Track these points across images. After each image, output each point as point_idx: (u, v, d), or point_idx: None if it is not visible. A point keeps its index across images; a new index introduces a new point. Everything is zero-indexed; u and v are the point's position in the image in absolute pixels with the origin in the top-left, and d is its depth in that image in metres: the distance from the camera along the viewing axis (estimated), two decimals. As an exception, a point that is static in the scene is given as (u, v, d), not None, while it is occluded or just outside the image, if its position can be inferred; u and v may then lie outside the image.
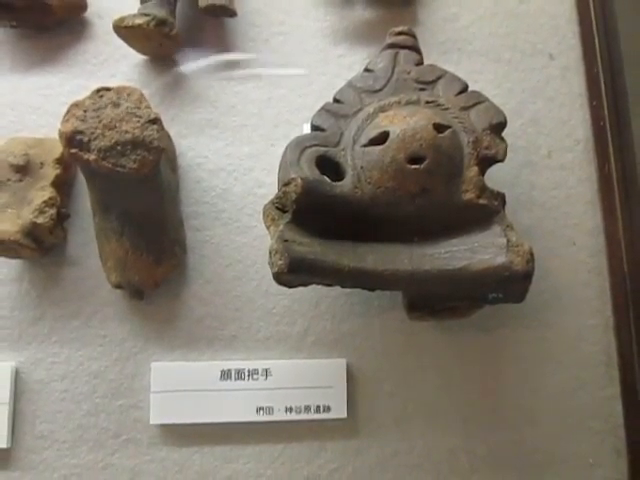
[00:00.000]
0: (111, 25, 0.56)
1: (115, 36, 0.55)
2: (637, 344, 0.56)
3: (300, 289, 0.45)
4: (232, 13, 0.55)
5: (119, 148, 0.42)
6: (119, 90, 0.45)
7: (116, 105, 0.44)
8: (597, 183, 0.58)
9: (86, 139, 0.42)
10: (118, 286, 0.51)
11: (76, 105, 0.44)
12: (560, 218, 0.57)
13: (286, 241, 0.42)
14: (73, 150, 0.42)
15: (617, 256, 0.57)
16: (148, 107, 0.44)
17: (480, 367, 0.54)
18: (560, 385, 0.54)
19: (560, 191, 0.57)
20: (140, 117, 0.43)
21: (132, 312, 0.53)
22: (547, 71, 0.60)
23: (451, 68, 0.57)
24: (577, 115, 0.59)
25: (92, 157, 0.42)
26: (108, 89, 0.45)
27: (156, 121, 0.44)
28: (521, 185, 0.57)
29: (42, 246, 0.51)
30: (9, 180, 0.50)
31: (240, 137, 0.56)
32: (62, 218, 0.51)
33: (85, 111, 0.44)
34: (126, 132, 0.43)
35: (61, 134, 0.43)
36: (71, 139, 0.42)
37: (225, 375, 0.52)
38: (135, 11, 0.55)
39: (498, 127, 0.48)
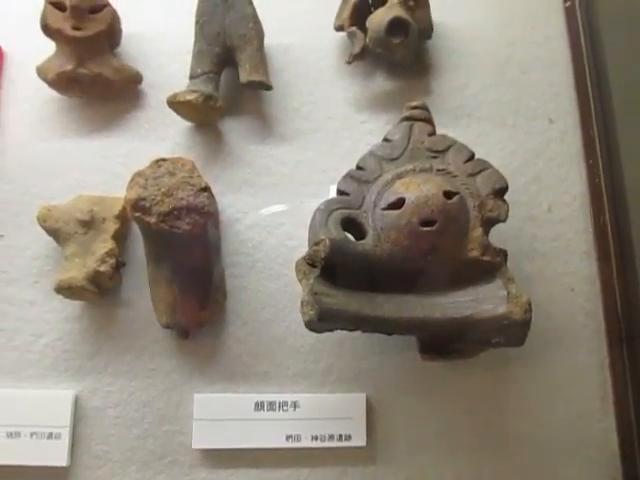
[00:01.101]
0: (161, 95, 0.64)
1: (165, 105, 0.62)
2: (631, 381, 0.61)
3: (325, 331, 0.52)
4: (268, 87, 0.62)
5: (175, 212, 0.50)
6: (174, 161, 0.52)
7: (172, 174, 0.51)
8: (593, 235, 0.64)
9: (148, 205, 0.50)
10: (167, 326, 0.58)
11: (139, 174, 0.51)
12: (559, 266, 0.62)
13: (316, 294, 0.49)
14: (137, 214, 0.50)
15: (611, 301, 0.62)
16: (199, 176, 0.51)
17: (486, 401, 0.59)
18: (560, 417, 0.59)
19: (559, 242, 0.63)
20: (193, 185, 0.51)
21: (178, 349, 0.59)
22: (547, 134, 0.66)
23: (461, 132, 0.64)
24: (575, 173, 0.65)
25: (153, 220, 0.50)
26: (165, 160, 0.52)
27: (206, 189, 0.51)
28: (524, 237, 0.63)
29: (101, 290, 0.58)
30: (76, 233, 0.58)
31: (273, 195, 0.63)
32: (119, 266, 0.59)
33: (146, 180, 0.51)
34: (181, 199, 0.50)
35: (127, 200, 0.50)
36: (135, 205, 0.50)
37: (259, 406, 0.58)
38: (182, 82, 0.63)
39: (500, 191, 0.54)
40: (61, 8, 0.60)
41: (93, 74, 0.61)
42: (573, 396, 0.59)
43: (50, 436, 0.57)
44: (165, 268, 0.55)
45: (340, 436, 0.57)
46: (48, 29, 0.60)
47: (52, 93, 0.64)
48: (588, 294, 0.61)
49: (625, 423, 0.59)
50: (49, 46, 0.63)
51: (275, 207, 0.63)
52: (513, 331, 0.50)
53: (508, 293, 0.50)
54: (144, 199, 0.50)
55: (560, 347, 0.60)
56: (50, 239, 0.60)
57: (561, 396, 0.59)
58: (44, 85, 0.63)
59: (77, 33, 0.60)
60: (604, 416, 0.59)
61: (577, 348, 0.60)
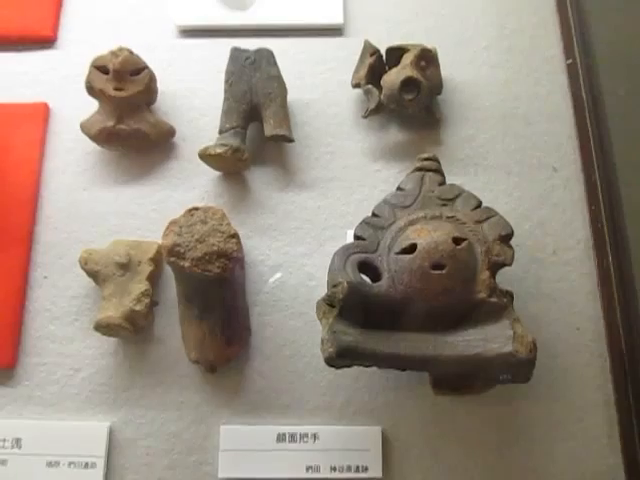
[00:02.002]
0: (193, 147, 0.70)
1: (196, 156, 0.68)
2: (636, 418, 0.63)
3: (343, 367, 0.56)
4: (290, 140, 0.68)
5: (207, 257, 0.55)
6: (206, 210, 0.57)
7: (204, 222, 0.56)
8: (597, 276, 0.67)
9: (182, 250, 0.55)
10: (196, 361, 0.62)
11: (174, 222, 0.56)
12: (565, 307, 0.65)
13: (335, 332, 0.53)
14: (172, 259, 0.54)
15: (616, 340, 0.65)
16: (229, 224, 0.56)
17: (496, 435, 0.62)
18: (568, 452, 0.61)
19: (564, 284, 0.66)
20: (223, 232, 0.56)
21: (206, 383, 0.63)
22: (551, 182, 0.70)
23: (470, 180, 0.69)
24: (578, 218, 0.69)
25: (187, 264, 0.54)
26: (197, 209, 0.57)
27: (235, 236, 0.56)
28: (530, 278, 0.66)
29: (136, 327, 0.62)
30: (114, 275, 0.62)
31: (295, 238, 0.68)
32: (152, 305, 0.63)
33: (181, 227, 0.56)
34: (213, 245, 0.55)
35: (163, 246, 0.55)
36: (171, 250, 0.54)
37: (280, 438, 0.61)
38: (211, 135, 0.69)
39: (506, 237, 0.58)
40: (105, 71, 0.66)
41: (132, 129, 0.67)
42: (580, 432, 0.61)
43: (87, 465, 0.60)
44: (195, 307, 0.60)
45: (357, 467, 0.60)
46: (92, 90, 0.66)
47: (93, 145, 0.70)
48: (593, 333, 0.64)
49: (632, 460, 0.61)
50: (90, 103, 0.69)
51: (297, 249, 0.67)
52: (519, 369, 0.54)
53: (514, 333, 0.54)
54: (179, 245, 0.54)
55: (566, 384, 0.63)
56: (88, 280, 0.65)
57: (568, 432, 0.62)
58: (85, 138, 0.69)
59: (118, 94, 0.66)
60: (611, 453, 0.61)
61: (583, 385, 0.63)
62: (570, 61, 0.75)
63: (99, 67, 0.66)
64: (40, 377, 0.64)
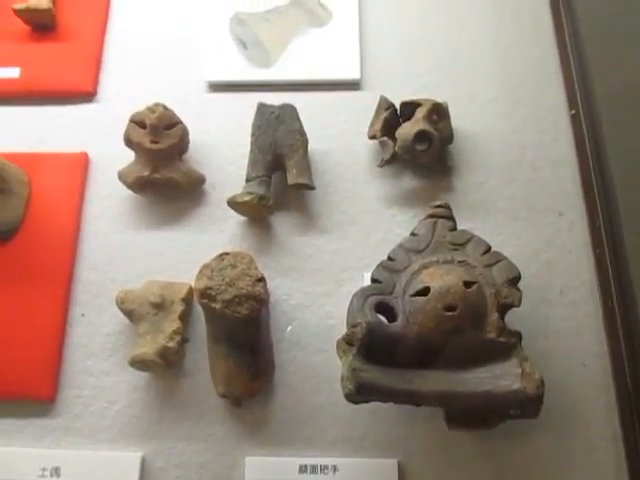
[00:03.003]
0: (221, 193, 0.75)
1: (224, 202, 0.73)
2: (643, 452, 0.66)
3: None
4: (311, 187, 0.72)
5: (236, 300, 0.59)
6: (235, 255, 0.61)
7: (234, 267, 0.60)
8: (602, 315, 0.70)
9: (214, 293, 0.59)
10: (223, 395, 0.65)
11: (206, 266, 0.61)
12: (572, 344, 0.68)
13: (354, 370, 0.56)
14: (204, 300, 0.58)
15: (621, 375, 0.67)
16: (256, 268, 0.60)
17: (508, 468, 0.64)
18: (577, 485, 0.64)
19: (571, 322, 0.69)
20: (251, 276, 0.60)
21: (232, 416, 0.66)
22: (557, 225, 0.74)
23: (480, 224, 0.73)
24: (583, 260, 0.72)
25: (218, 306, 0.58)
26: (227, 254, 0.62)
27: (262, 279, 0.60)
28: (538, 317, 0.69)
29: (168, 363, 0.66)
30: (149, 314, 0.66)
31: (315, 279, 0.72)
32: (183, 342, 0.67)
33: (212, 271, 0.60)
34: (241, 288, 0.59)
35: (196, 289, 0.59)
36: (203, 293, 0.59)
37: (302, 469, 0.64)
38: (238, 182, 0.73)
39: (514, 280, 0.62)
40: (142, 126, 0.72)
41: (165, 178, 0.72)
42: (589, 466, 0.64)
43: (121, 493, 0.64)
44: (222, 345, 0.64)
45: (375, 497, 0.63)
46: (130, 142, 0.72)
47: (128, 192, 0.75)
48: (599, 370, 0.67)
49: (639, 492, 0.64)
50: (127, 152, 0.74)
51: (317, 289, 0.71)
52: (528, 405, 0.57)
53: (522, 371, 0.57)
54: (211, 288, 0.59)
55: (575, 419, 0.65)
56: (122, 317, 0.69)
57: (577, 465, 0.64)
58: (122, 185, 0.74)
59: (154, 146, 0.71)
60: (619, 485, 0.64)
61: (590, 420, 0.65)
62: (574, 112, 0.79)
63: (137, 122, 0.72)
64: (78, 409, 0.68)
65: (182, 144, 0.73)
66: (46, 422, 0.68)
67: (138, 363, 0.65)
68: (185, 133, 0.73)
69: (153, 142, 0.71)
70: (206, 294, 0.59)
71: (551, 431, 0.65)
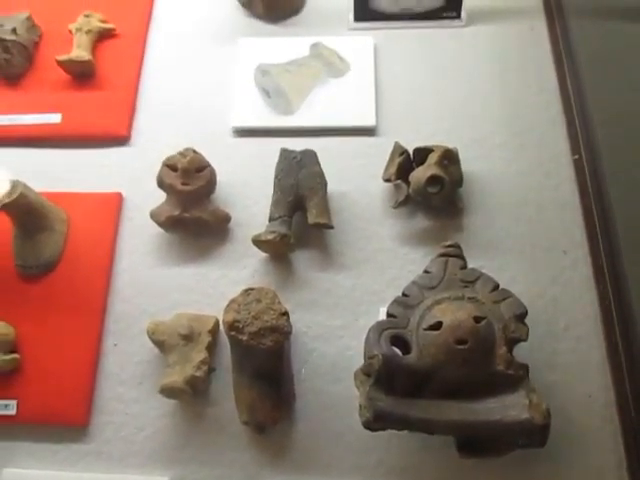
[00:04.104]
0: (245, 231, 0.79)
1: (248, 239, 0.77)
2: (647, 481, 0.68)
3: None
4: (330, 226, 0.76)
5: (262, 332, 0.62)
6: (259, 290, 0.65)
7: (259, 301, 0.64)
8: (606, 349, 0.72)
9: (241, 326, 0.62)
10: (246, 423, 0.68)
11: (233, 301, 0.65)
12: (577, 377, 0.71)
13: (371, 399, 0.60)
14: (232, 333, 0.62)
15: (625, 406, 0.70)
16: (279, 303, 0.64)
17: (517, 495, 0.67)
18: (584, 513, 0.66)
19: (576, 356, 0.72)
20: (275, 310, 0.64)
21: (254, 443, 0.69)
22: (562, 263, 0.77)
23: (488, 262, 0.76)
24: (587, 296, 0.75)
25: (244, 338, 0.62)
26: (253, 289, 0.66)
27: (286, 314, 0.64)
28: (545, 350, 0.72)
29: (195, 391, 0.69)
30: (178, 345, 0.70)
31: (333, 313, 0.75)
32: (210, 372, 0.71)
33: (239, 305, 0.64)
34: (266, 321, 0.63)
35: (224, 322, 0.63)
36: (231, 325, 0.62)
37: (321, 494, 0.67)
38: (261, 221, 0.78)
39: (521, 316, 0.65)
40: (174, 169, 0.76)
41: (194, 217, 0.77)
42: (595, 494, 0.66)
43: (148, 515, 0.67)
44: (247, 374, 0.67)
45: (390, 523, 0.65)
46: (163, 184, 0.76)
47: (159, 230, 0.79)
48: (604, 401, 0.69)
49: (644, 520, 0.66)
50: (158, 192, 0.78)
51: (335, 322, 0.74)
52: (535, 434, 0.60)
53: (530, 401, 0.60)
54: (238, 321, 0.62)
55: (580, 448, 0.67)
56: (151, 347, 0.73)
57: (584, 493, 0.66)
58: (153, 223, 0.79)
59: (185, 188, 0.76)
60: (624, 513, 0.65)
61: (596, 450, 0.67)
62: (577, 156, 0.83)
63: (170, 165, 0.76)
64: (109, 435, 0.71)
65: (210, 186, 0.78)
66: (79, 447, 0.71)
67: (167, 391, 0.68)
68: (213, 175, 0.78)
69: (184, 184, 0.76)
70: (234, 327, 0.62)
71: (557, 460, 0.67)
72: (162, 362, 0.72)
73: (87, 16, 0.94)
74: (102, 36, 0.94)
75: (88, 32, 0.92)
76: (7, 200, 0.73)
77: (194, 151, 0.78)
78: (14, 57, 0.90)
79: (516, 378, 0.62)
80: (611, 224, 0.78)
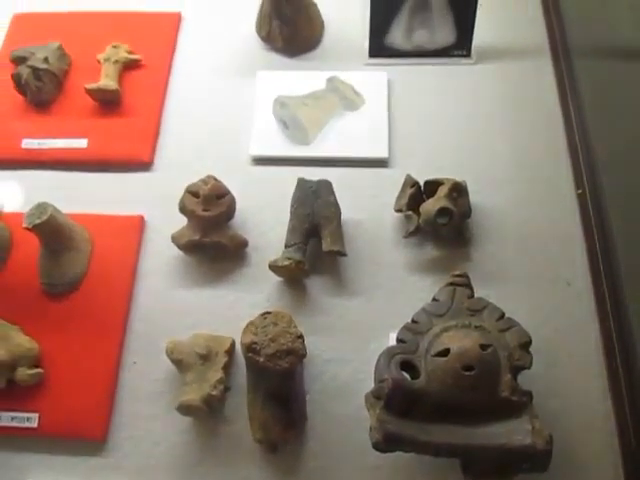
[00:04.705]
0: (261, 256, 0.83)
1: (263, 263, 0.80)
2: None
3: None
4: (344, 254, 0.79)
5: (278, 354, 0.65)
6: (276, 314, 0.68)
7: (275, 324, 0.67)
8: (607, 377, 0.74)
9: (258, 347, 0.65)
10: (259, 441, 0.70)
11: (251, 323, 0.68)
12: (579, 404, 0.73)
13: (381, 421, 0.62)
14: (250, 354, 0.65)
15: (626, 435, 0.72)
16: (295, 327, 0.67)
17: (519, 519, 0.69)
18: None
19: (578, 384, 0.74)
20: (291, 334, 0.66)
21: (266, 461, 0.71)
22: (565, 294, 0.80)
23: (494, 291, 0.78)
24: (589, 326, 0.78)
25: (261, 360, 0.65)
26: (269, 313, 0.68)
27: (301, 337, 0.66)
28: (548, 378, 0.74)
29: (211, 409, 0.72)
30: (195, 364, 0.72)
31: (345, 337, 0.78)
32: (225, 390, 0.73)
33: (256, 328, 0.67)
34: (283, 344, 0.65)
35: (242, 344, 0.66)
36: (249, 347, 0.65)
37: (330, 513, 0.69)
38: (277, 246, 0.81)
39: (526, 345, 0.67)
40: (196, 195, 0.80)
41: (213, 242, 0.80)
42: (595, 520, 0.68)
43: (164, 528, 0.69)
44: (261, 394, 0.69)
45: None
46: (185, 209, 0.80)
47: (179, 252, 0.83)
48: (605, 428, 0.72)
49: None
50: (178, 217, 0.81)
51: (347, 346, 0.77)
52: (538, 459, 0.62)
53: (533, 428, 0.62)
54: (255, 343, 0.65)
55: (582, 474, 0.69)
56: (169, 365, 0.75)
57: (585, 519, 0.68)
58: (173, 246, 0.82)
59: (206, 214, 0.79)
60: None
61: (597, 476, 0.69)
62: (580, 191, 0.87)
63: (192, 192, 0.80)
64: (126, 450, 0.74)
65: (230, 212, 0.81)
66: (97, 461, 0.73)
67: (184, 408, 0.70)
68: (233, 202, 0.81)
69: (205, 210, 0.79)
70: (251, 348, 0.65)
71: (560, 485, 0.69)
72: (179, 380, 0.74)
73: (115, 47, 0.99)
74: (128, 66, 0.99)
75: (115, 62, 0.97)
76: (38, 221, 0.76)
77: (215, 179, 0.81)
78: (45, 85, 0.94)
79: (520, 404, 0.64)
80: (613, 257, 0.80)
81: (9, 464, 0.73)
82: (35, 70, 0.93)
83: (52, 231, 0.79)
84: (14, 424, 0.74)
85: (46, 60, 0.95)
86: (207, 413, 0.71)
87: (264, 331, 0.66)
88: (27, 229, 0.77)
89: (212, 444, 0.73)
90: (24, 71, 0.93)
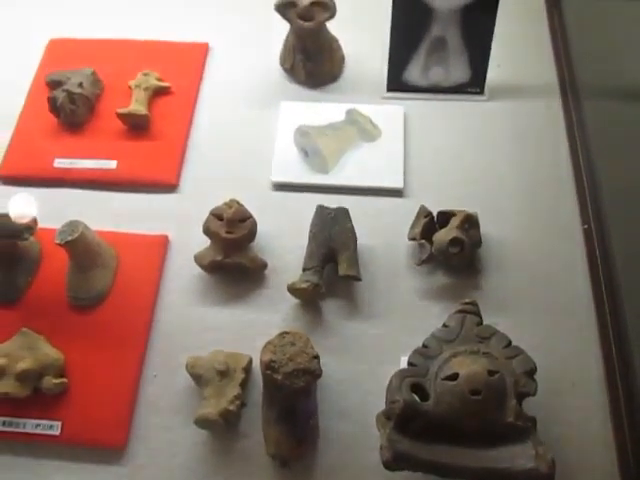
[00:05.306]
0: (279, 278, 0.86)
1: (281, 285, 0.84)
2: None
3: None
4: (358, 279, 0.83)
5: (295, 373, 0.68)
6: (294, 334, 0.71)
7: (293, 344, 0.70)
8: (609, 406, 0.77)
9: (276, 366, 0.68)
10: (272, 456, 0.73)
11: (270, 342, 0.70)
12: (581, 431, 0.76)
13: (391, 440, 0.65)
14: (268, 372, 0.68)
15: (625, 461, 0.74)
16: (312, 347, 0.70)
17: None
18: None
19: (581, 412, 0.77)
20: (308, 354, 0.69)
21: (278, 475, 0.74)
22: (569, 324, 0.82)
23: (502, 319, 0.80)
24: (592, 356, 0.80)
25: (279, 377, 0.68)
26: (288, 333, 0.71)
27: (317, 357, 0.69)
28: (551, 406, 0.76)
29: (227, 424, 0.74)
30: (214, 379, 0.75)
31: (358, 359, 0.81)
32: (242, 406, 0.76)
33: (275, 347, 0.70)
34: (300, 363, 0.68)
35: (261, 362, 0.69)
36: (267, 365, 0.68)
37: (339, 528, 0.72)
38: (295, 269, 0.84)
39: (531, 372, 0.70)
40: (220, 218, 0.83)
41: (235, 263, 0.83)
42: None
43: (178, 537, 0.71)
44: (275, 410, 0.72)
45: None
46: (209, 231, 0.83)
47: (201, 272, 0.86)
48: (605, 455, 0.74)
49: None
50: (202, 237, 0.85)
51: (359, 367, 0.80)
52: (541, 483, 0.65)
53: (536, 452, 0.65)
54: (274, 361, 0.68)
55: (583, 499, 0.72)
56: (188, 379, 0.78)
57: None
58: (196, 265, 0.85)
59: (229, 236, 0.82)
60: None
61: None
62: (586, 226, 0.90)
63: (216, 215, 0.84)
64: (144, 460, 0.76)
65: (251, 235, 0.85)
66: (116, 469, 0.76)
67: (202, 422, 0.73)
68: (254, 226, 0.85)
69: (228, 232, 0.83)
70: (270, 366, 0.68)
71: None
72: (197, 394, 0.77)
73: (145, 74, 1.03)
74: (158, 93, 1.03)
75: (146, 89, 1.01)
76: (69, 238, 0.80)
77: (238, 203, 0.85)
78: (79, 108, 0.99)
79: (524, 429, 0.67)
80: (617, 290, 0.84)
81: (32, 469, 0.76)
82: (70, 94, 0.98)
83: (82, 248, 0.83)
84: (38, 431, 0.77)
85: (81, 85, 1.00)
86: (223, 427, 0.74)
87: (282, 350, 0.69)
88: (59, 245, 0.81)
89: (226, 457, 0.76)
90: (60, 95, 0.98)
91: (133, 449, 0.77)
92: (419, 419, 0.67)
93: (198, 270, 0.86)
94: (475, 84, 1.02)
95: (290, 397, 0.70)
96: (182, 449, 0.76)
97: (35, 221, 0.83)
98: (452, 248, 0.81)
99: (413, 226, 0.87)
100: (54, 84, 1.03)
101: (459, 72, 1.01)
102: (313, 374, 0.69)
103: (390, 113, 1.00)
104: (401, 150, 0.96)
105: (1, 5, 1.22)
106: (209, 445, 0.76)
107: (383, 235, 0.90)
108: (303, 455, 0.73)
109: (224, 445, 0.76)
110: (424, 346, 0.73)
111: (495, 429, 0.67)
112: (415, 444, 0.66)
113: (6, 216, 0.82)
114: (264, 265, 0.86)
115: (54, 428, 0.77)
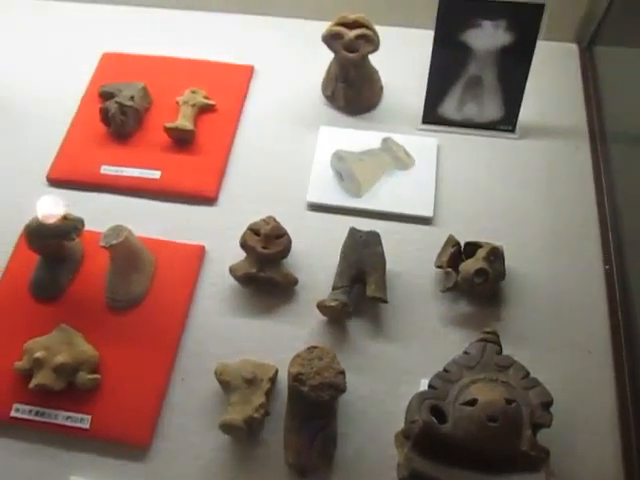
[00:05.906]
0: (308, 295, 0.89)
1: (309, 301, 0.87)
2: None
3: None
4: (385, 301, 0.85)
5: (321, 386, 0.71)
6: (322, 349, 0.74)
7: (320, 359, 0.73)
8: (621, 446, 0.78)
9: (304, 378, 0.71)
10: (291, 465, 0.75)
11: (298, 355, 0.73)
12: (593, 467, 0.76)
13: (409, 459, 0.67)
14: (295, 383, 0.71)
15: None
16: (338, 363, 0.73)
17: None
18: None
19: (593, 448, 0.78)
20: (334, 369, 0.72)
21: (296, 484, 0.77)
22: (586, 362, 0.84)
23: (520, 351, 0.82)
24: (607, 394, 0.82)
25: (306, 389, 0.70)
26: (316, 347, 0.74)
27: (343, 373, 0.72)
28: (565, 439, 0.78)
29: (250, 431, 0.77)
30: (241, 387, 0.78)
31: (379, 378, 0.83)
32: (266, 415, 0.78)
33: (303, 360, 0.73)
34: (326, 377, 0.71)
35: (289, 373, 0.72)
36: (295, 377, 0.71)
37: (351, 541, 0.73)
38: (324, 287, 0.87)
39: (547, 404, 0.72)
40: (257, 233, 0.87)
41: (267, 277, 0.87)
42: None
43: (196, 536, 0.74)
44: (297, 421, 0.75)
45: None
46: (245, 245, 0.87)
47: (234, 283, 0.89)
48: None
49: None
50: (237, 250, 0.89)
51: (379, 386, 0.82)
52: (551, 512, 0.66)
53: (549, 482, 0.67)
54: (302, 374, 0.71)
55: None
56: (215, 385, 0.80)
57: None
58: (230, 277, 0.89)
59: (265, 251, 0.86)
60: None
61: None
62: (607, 267, 0.92)
63: (253, 230, 0.87)
64: (167, 459, 0.79)
65: (285, 251, 0.88)
66: (139, 466, 0.78)
67: (227, 427, 0.76)
68: (289, 243, 0.88)
69: (264, 247, 0.86)
70: (297, 378, 0.71)
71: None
72: (223, 400, 0.80)
73: (193, 92, 1.08)
74: (203, 110, 1.08)
75: (193, 105, 1.06)
76: (114, 242, 0.84)
77: (275, 220, 0.89)
78: (128, 119, 1.04)
79: (538, 459, 0.69)
80: (634, 331, 0.85)
81: (59, 459, 0.79)
82: (122, 106, 1.03)
83: (124, 252, 0.87)
84: (68, 423, 0.80)
85: (132, 98, 1.05)
86: (246, 434, 0.76)
87: (310, 364, 0.72)
88: (103, 247, 0.85)
89: (246, 464, 0.78)
90: (112, 106, 1.03)
91: (157, 448, 0.79)
92: (436, 441, 0.69)
93: (231, 281, 0.89)
94: (507, 122, 1.05)
95: (313, 409, 0.73)
96: (204, 452, 0.79)
97: (82, 223, 0.88)
98: (477, 278, 0.84)
99: (440, 254, 0.90)
100: (107, 95, 1.08)
101: (492, 110, 1.04)
102: (338, 389, 0.71)
103: (424, 144, 1.04)
104: (433, 180, 1.00)
105: (59, 19, 1.28)
106: (231, 450, 0.79)
107: (411, 261, 0.92)
108: (321, 467, 0.75)
109: (245, 451, 0.78)
110: (445, 370, 0.76)
111: (509, 457, 0.69)
112: (431, 464, 0.68)
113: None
114: (295, 281, 0.89)
115: (84, 421, 0.80)
